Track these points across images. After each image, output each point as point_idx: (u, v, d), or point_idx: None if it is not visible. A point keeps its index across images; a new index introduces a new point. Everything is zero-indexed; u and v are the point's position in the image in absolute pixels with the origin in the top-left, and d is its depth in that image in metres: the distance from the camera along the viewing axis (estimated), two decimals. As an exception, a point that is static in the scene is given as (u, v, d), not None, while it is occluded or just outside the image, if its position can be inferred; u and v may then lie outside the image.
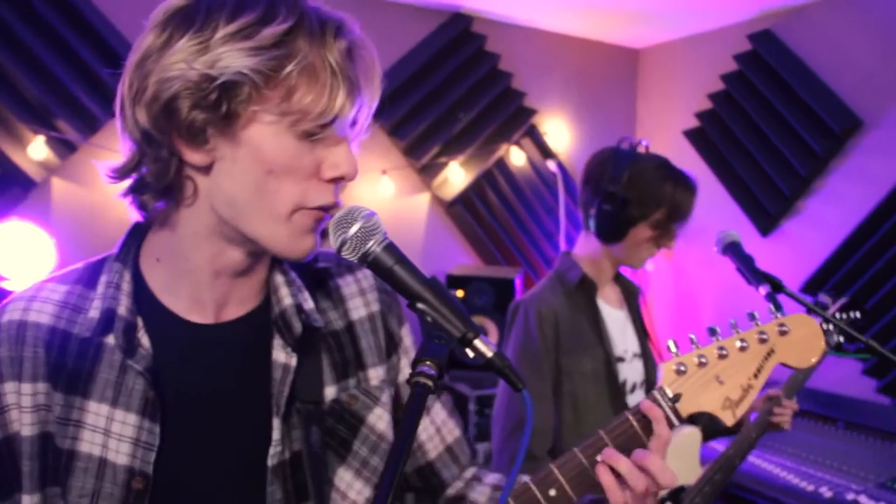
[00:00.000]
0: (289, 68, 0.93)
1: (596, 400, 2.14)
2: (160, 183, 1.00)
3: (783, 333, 1.19)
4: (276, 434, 1.09)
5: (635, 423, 1.15)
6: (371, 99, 1.03)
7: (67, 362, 1.03)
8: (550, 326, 2.10)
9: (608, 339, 2.17)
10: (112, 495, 1.02)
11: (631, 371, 2.21)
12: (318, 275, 1.22)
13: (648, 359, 2.28)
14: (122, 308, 1.05)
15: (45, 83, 3.19)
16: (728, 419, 1.16)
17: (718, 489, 2.12)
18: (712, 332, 1.19)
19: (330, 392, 1.16)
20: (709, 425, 2.31)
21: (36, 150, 3.17)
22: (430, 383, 0.86)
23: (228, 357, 1.11)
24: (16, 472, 1.03)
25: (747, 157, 3.96)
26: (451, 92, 4.00)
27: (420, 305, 0.97)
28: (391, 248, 1.00)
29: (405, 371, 1.26)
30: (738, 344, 1.18)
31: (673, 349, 1.18)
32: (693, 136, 4.23)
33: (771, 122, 3.82)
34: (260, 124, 0.96)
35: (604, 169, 2.11)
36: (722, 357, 1.17)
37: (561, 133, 4.39)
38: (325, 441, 1.14)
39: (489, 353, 0.97)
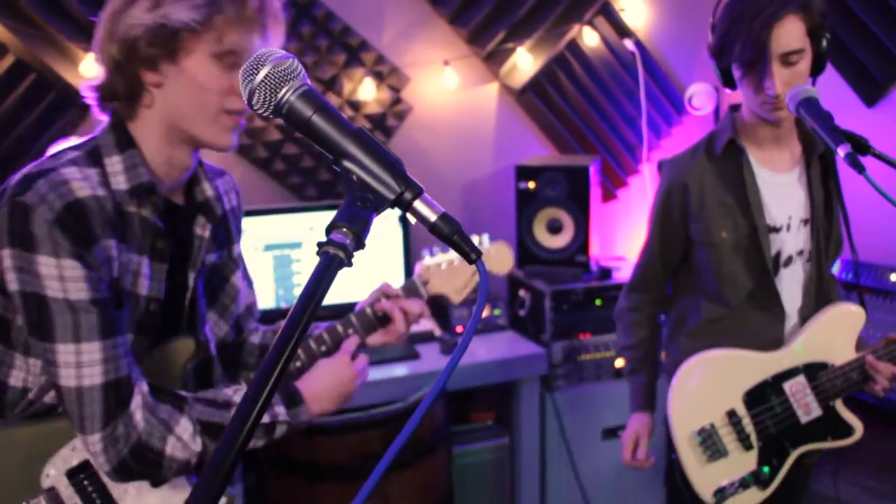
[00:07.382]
0: (216, 19, 1.36)
1: (737, 272, 2.13)
2: (129, 92, 1.43)
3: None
4: (190, 283, 1.57)
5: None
6: (277, 34, 1.45)
7: (116, 222, 1.39)
8: (679, 193, 2.18)
9: (759, 209, 2.10)
10: (134, 317, 1.45)
11: (791, 241, 2.12)
12: (210, 175, 1.66)
13: (819, 225, 2.12)
14: (147, 180, 1.43)
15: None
16: (456, 299, 1.88)
17: (857, 386, 2.08)
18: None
19: (211, 257, 1.65)
20: None
21: (87, 67, 3.13)
22: (340, 253, 0.74)
23: (174, 226, 1.54)
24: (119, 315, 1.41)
25: (849, 15, 3.52)
26: (515, -30, 3.70)
27: (346, 163, 0.84)
28: (310, 95, 0.86)
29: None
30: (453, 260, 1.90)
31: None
32: (788, -2, 3.79)
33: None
34: (195, 58, 1.39)
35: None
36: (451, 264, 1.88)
37: (638, 8, 4.00)
38: (205, 290, 1.64)
39: (432, 217, 0.84)
